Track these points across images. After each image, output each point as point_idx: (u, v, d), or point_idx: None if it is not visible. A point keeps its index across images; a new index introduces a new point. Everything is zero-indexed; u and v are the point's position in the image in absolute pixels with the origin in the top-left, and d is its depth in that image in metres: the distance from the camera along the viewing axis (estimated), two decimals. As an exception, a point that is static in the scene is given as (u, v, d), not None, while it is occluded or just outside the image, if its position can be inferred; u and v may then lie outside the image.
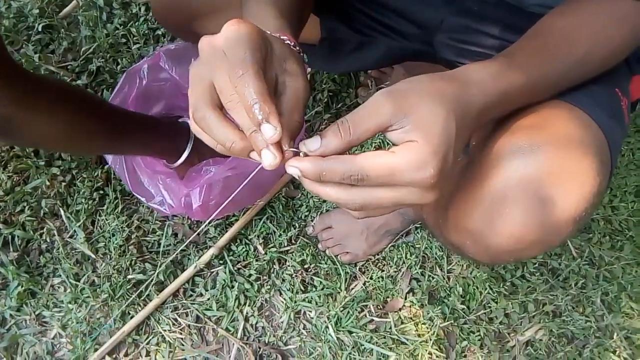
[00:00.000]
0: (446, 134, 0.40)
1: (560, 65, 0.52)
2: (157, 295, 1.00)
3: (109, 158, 1.01)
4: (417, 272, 1.06)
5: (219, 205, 0.89)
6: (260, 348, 1.00)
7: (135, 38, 1.17)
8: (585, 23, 0.54)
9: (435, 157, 0.39)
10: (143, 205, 1.07)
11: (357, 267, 1.06)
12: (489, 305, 1.05)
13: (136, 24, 1.18)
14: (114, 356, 0.99)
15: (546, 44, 0.53)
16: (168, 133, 0.93)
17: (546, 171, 0.47)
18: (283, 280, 1.05)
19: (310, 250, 1.06)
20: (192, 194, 0.89)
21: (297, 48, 0.47)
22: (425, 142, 0.39)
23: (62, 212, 1.05)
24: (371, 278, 1.06)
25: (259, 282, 1.04)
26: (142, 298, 1.01)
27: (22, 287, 1.00)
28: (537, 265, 1.08)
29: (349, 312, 1.02)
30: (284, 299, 1.03)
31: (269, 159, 0.39)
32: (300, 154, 0.40)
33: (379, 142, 1.12)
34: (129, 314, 1.00)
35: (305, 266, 1.06)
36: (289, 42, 0.46)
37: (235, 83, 0.38)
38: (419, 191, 0.40)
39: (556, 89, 0.53)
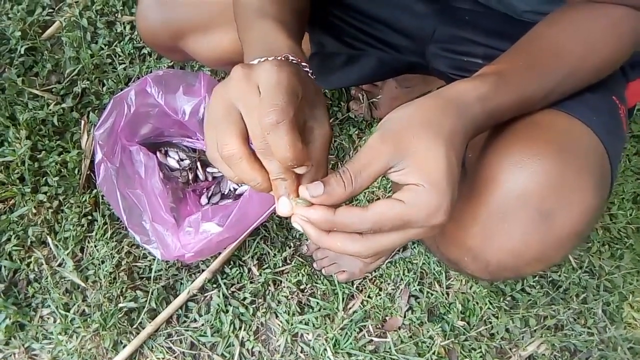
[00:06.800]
0: (450, 171, 0.40)
1: (551, 79, 0.51)
2: (150, 322, 0.98)
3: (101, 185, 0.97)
4: (416, 289, 1.04)
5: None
6: (257, 373, 0.98)
7: (120, 58, 1.15)
8: (577, 32, 0.52)
9: (445, 200, 0.39)
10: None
11: (354, 286, 1.04)
12: (490, 320, 1.03)
13: (121, 43, 1.16)
14: (107, 387, 0.96)
15: (537, 58, 0.51)
16: None
17: (546, 185, 0.46)
18: (279, 302, 1.02)
19: (306, 270, 1.04)
20: (185, 250, 0.88)
21: (314, 76, 0.47)
22: (432, 187, 0.39)
23: (49, 240, 1.02)
24: (369, 297, 1.04)
25: (254, 305, 1.01)
26: (135, 326, 0.98)
27: (10, 319, 0.97)
28: (537, 278, 1.06)
29: (347, 333, 1.00)
30: (280, 321, 1.01)
31: (285, 207, 0.40)
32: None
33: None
34: (122, 343, 0.97)
35: (301, 287, 1.03)
36: (307, 69, 0.46)
37: (268, 130, 0.37)
38: (431, 229, 0.40)
39: (548, 101, 0.52)
